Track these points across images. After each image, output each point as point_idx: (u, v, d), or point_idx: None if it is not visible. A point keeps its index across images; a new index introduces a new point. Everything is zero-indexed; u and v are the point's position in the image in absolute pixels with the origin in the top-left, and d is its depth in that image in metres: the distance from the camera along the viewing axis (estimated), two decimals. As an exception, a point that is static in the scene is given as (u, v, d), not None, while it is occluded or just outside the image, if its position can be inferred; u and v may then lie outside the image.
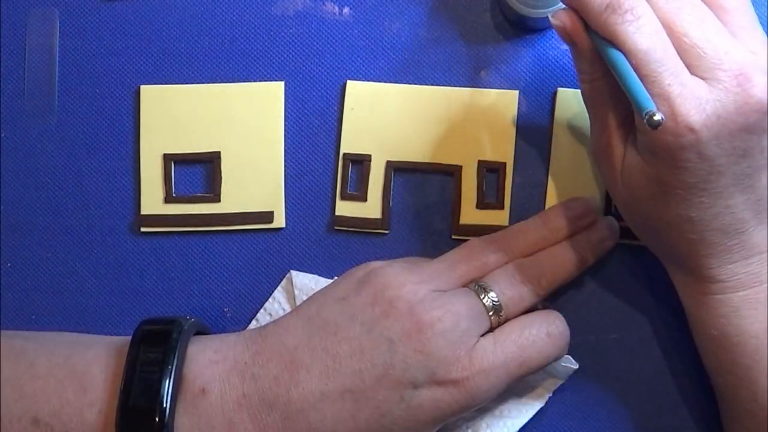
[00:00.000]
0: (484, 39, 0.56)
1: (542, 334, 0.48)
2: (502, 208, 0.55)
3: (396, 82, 0.56)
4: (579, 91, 0.54)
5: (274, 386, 0.46)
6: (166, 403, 0.44)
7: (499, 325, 0.49)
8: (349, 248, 0.56)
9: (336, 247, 0.56)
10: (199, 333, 0.50)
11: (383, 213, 0.56)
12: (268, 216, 0.56)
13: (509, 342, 0.47)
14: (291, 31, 0.57)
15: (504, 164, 0.55)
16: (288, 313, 0.50)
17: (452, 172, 0.55)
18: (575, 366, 0.52)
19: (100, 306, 0.57)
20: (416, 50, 0.56)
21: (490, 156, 0.55)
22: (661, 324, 0.54)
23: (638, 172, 0.45)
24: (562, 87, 0.55)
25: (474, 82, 0.56)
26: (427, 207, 0.56)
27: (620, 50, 0.43)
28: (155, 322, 0.48)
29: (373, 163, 0.56)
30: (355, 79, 0.57)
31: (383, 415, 0.46)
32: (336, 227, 0.56)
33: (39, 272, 0.57)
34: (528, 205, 0.55)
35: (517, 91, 0.56)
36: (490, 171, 0.55)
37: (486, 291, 0.48)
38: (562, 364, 0.51)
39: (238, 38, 0.57)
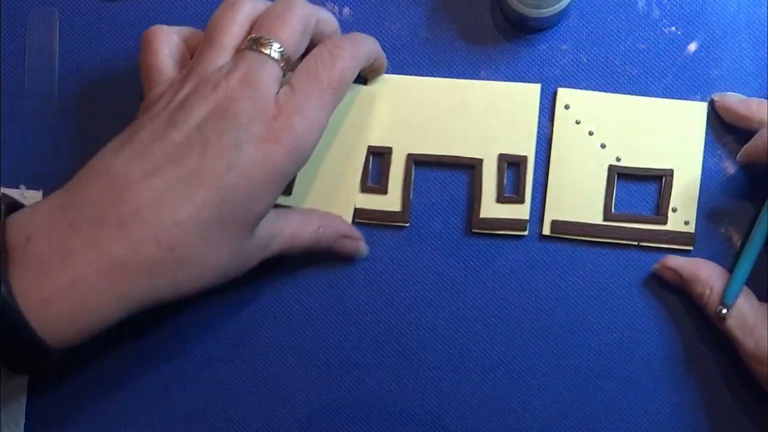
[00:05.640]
0: (484, 39, 0.56)
1: (325, 55, 0.49)
2: (523, 202, 0.55)
3: (396, 82, 0.56)
4: (579, 91, 0.55)
5: (99, 204, 0.45)
6: None
7: (291, 70, 0.49)
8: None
9: (356, 239, 0.56)
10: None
11: (403, 206, 0.55)
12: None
13: (302, 79, 0.48)
14: (291, 31, 0.57)
15: (525, 158, 0.55)
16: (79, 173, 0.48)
17: (473, 166, 0.55)
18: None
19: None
20: (416, 50, 0.56)
21: (510, 149, 0.55)
22: (661, 324, 0.54)
23: None
24: (562, 87, 0.55)
25: (474, 82, 0.56)
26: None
27: None
28: None
29: (393, 156, 0.56)
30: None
31: (219, 187, 0.45)
32: (356, 220, 0.56)
33: (39, 272, 0.57)
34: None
35: (539, 85, 0.55)
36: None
37: (269, 44, 0.48)
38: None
39: (238, 38, 0.57)
